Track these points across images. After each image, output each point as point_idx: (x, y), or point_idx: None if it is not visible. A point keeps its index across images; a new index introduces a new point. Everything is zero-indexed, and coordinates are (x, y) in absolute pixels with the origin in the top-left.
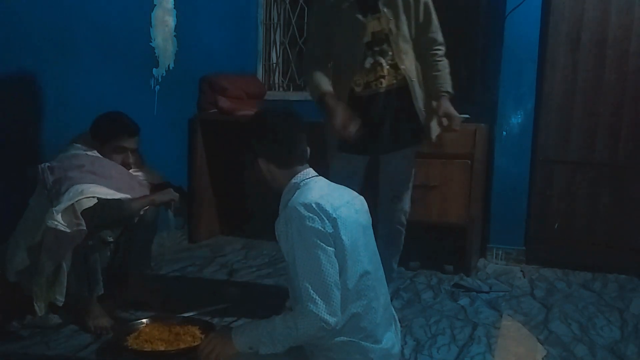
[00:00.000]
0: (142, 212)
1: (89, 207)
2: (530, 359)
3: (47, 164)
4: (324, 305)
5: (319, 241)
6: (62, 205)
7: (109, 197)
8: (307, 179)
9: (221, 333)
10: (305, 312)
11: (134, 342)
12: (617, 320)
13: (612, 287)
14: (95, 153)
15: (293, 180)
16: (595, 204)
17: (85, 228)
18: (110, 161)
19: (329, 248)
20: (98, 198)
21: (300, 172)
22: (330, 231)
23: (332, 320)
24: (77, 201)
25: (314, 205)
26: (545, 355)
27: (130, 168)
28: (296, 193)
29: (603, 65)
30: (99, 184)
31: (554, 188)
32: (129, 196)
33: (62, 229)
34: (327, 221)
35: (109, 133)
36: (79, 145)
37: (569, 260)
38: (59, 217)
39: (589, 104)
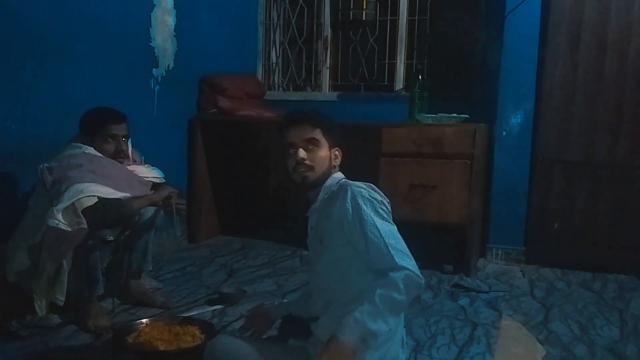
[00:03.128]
0: (142, 212)
1: (89, 206)
2: (530, 359)
3: (46, 164)
4: (410, 260)
5: (389, 215)
6: (62, 205)
7: (108, 196)
8: (344, 177)
9: (332, 349)
10: (401, 269)
11: (134, 342)
12: (617, 320)
13: (612, 287)
14: (92, 150)
15: (334, 175)
16: (595, 204)
17: (86, 226)
18: (109, 159)
19: (393, 223)
20: (98, 197)
21: (338, 171)
22: (390, 209)
23: (421, 276)
24: (77, 200)
25: (375, 187)
26: (545, 355)
27: (125, 156)
28: (345, 180)
29: (603, 65)
30: (99, 183)
31: (553, 188)
32: (128, 195)
33: (63, 227)
34: (386, 201)
35: (96, 123)
36: (75, 144)
37: (568, 260)
38: (59, 216)
39: (589, 104)
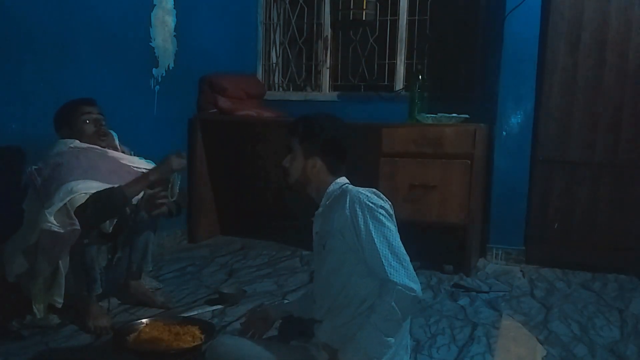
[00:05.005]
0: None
1: (80, 204)
2: (530, 359)
3: (34, 166)
4: (403, 271)
5: (388, 219)
6: (54, 207)
7: (98, 190)
8: (348, 182)
9: None
10: (391, 287)
11: (134, 342)
12: (617, 320)
13: (612, 287)
14: (77, 143)
15: (338, 181)
16: (595, 204)
17: (79, 227)
18: (96, 150)
19: (394, 227)
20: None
21: (342, 176)
22: (392, 212)
23: (415, 285)
24: (69, 200)
25: (377, 191)
26: (545, 355)
27: (106, 133)
28: (348, 187)
29: (603, 65)
30: (87, 177)
31: (553, 188)
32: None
33: (56, 229)
34: (388, 205)
35: (68, 110)
36: (61, 141)
37: (568, 260)
38: (52, 218)
39: (589, 104)
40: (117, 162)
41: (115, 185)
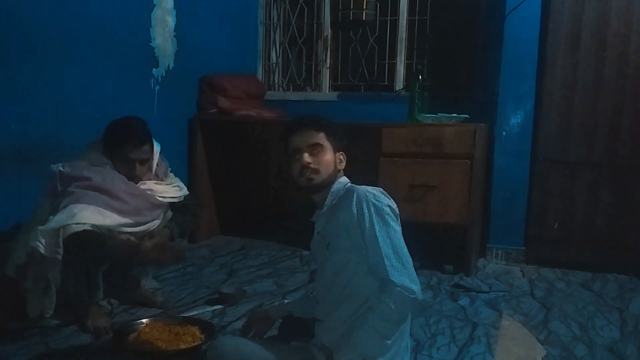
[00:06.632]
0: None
1: (73, 233)
2: (530, 359)
3: (60, 167)
4: (404, 271)
5: (393, 219)
6: (47, 226)
7: (101, 223)
8: (349, 182)
9: None
10: (391, 287)
11: (134, 342)
12: (617, 320)
13: (612, 287)
14: (110, 164)
15: (340, 180)
16: (595, 204)
17: (60, 258)
18: (123, 178)
19: (399, 228)
20: (91, 226)
21: (343, 175)
22: (397, 213)
23: (415, 287)
24: (64, 226)
25: (383, 191)
26: (545, 355)
27: (138, 181)
28: (354, 186)
29: (603, 65)
30: (101, 203)
31: (553, 188)
32: (129, 221)
33: (42, 252)
34: (394, 205)
35: (115, 142)
36: (97, 153)
37: (568, 260)
38: (41, 238)
39: (589, 104)
40: (142, 195)
41: (126, 220)
